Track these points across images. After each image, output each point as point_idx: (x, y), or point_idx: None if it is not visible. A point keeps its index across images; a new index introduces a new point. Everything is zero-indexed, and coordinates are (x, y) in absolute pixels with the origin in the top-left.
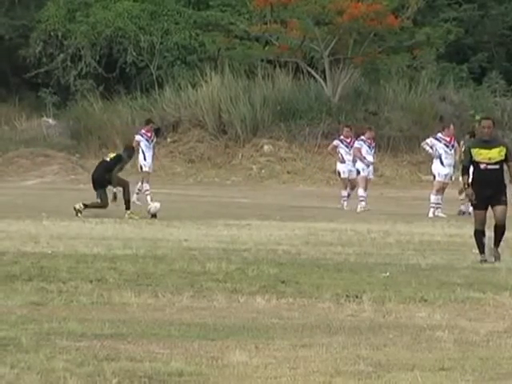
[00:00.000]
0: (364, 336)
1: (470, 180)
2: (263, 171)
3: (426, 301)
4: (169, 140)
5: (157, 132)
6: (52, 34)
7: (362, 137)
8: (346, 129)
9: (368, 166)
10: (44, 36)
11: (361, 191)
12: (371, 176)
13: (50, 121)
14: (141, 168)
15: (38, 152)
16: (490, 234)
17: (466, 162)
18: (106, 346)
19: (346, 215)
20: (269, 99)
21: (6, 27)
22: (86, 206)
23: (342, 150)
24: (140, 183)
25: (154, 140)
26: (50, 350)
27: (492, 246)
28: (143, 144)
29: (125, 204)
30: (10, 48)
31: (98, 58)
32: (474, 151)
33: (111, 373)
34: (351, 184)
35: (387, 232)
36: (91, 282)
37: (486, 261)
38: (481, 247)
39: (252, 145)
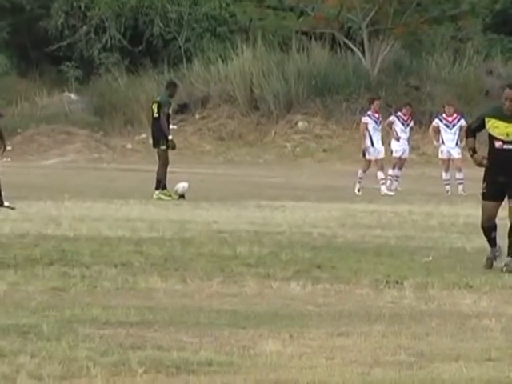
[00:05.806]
0: (405, 324)
1: (485, 162)
2: (297, 149)
3: (471, 287)
4: (197, 116)
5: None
6: (74, 4)
7: (399, 113)
8: (406, 107)
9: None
10: (66, 7)
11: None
12: (406, 155)
13: (73, 96)
14: (364, 154)
15: (59, 129)
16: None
17: (473, 124)
18: (132, 333)
19: (385, 195)
20: (304, 73)
21: None
22: (158, 183)
23: (398, 127)
24: (379, 172)
25: (381, 121)
26: (72, 337)
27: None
28: (371, 127)
29: (156, 183)
30: (30, 19)
31: (122, 30)
32: (490, 122)
33: (137, 362)
34: (400, 163)
35: (430, 214)
36: (116, 266)
37: (494, 260)
38: (491, 240)
39: (286, 121)
